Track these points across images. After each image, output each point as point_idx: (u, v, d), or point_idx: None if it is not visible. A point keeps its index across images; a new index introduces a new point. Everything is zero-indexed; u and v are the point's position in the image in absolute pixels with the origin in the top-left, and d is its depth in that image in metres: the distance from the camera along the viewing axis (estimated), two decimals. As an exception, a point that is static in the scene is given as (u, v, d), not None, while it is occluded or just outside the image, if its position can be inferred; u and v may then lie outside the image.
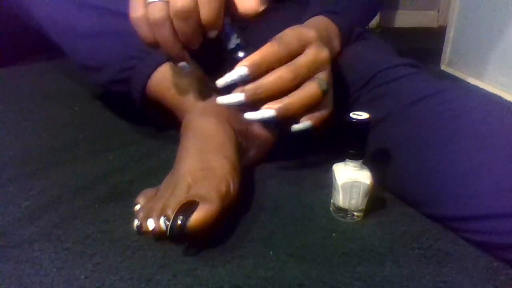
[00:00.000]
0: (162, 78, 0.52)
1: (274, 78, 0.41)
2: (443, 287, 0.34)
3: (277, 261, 0.37)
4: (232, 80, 0.40)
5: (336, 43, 0.51)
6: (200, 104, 0.49)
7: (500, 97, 0.46)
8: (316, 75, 0.43)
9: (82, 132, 0.64)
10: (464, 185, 0.38)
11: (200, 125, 0.47)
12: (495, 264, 0.36)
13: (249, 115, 0.42)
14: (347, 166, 0.41)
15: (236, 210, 0.43)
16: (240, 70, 0.40)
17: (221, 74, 0.41)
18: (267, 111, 0.41)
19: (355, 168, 0.41)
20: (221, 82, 0.41)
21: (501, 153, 0.37)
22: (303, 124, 0.43)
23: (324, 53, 0.43)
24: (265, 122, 0.46)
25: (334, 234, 0.40)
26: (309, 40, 0.43)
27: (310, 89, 0.42)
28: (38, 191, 0.47)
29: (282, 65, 0.41)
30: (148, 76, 0.52)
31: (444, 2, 1.82)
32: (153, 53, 0.52)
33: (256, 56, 0.40)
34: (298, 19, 0.62)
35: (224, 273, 0.35)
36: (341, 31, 0.52)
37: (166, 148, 0.57)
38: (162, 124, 0.63)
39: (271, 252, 0.38)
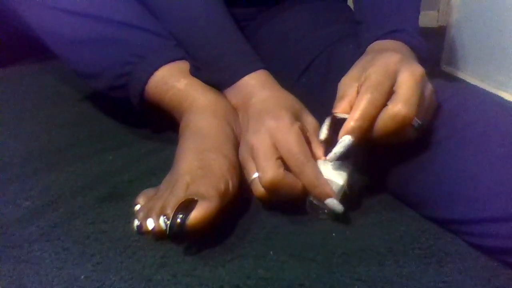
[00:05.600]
0: (160, 81, 0.52)
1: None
2: (443, 287, 0.34)
3: (277, 261, 0.37)
4: (341, 152, 0.38)
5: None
6: (198, 104, 0.50)
7: (496, 95, 0.45)
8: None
9: (82, 132, 0.64)
10: (461, 187, 0.38)
11: (198, 124, 0.47)
12: (495, 264, 0.36)
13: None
14: (326, 163, 0.40)
15: (236, 209, 0.43)
16: (346, 141, 0.37)
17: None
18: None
19: (334, 167, 0.40)
20: (331, 157, 0.38)
21: (499, 154, 0.37)
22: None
23: (418, 70, 0.38)
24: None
25: (334, 234, 0.40)
26: (395, 66, 0.38)
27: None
28: (38, 191, 0.47)
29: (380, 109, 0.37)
30: (146, 81, 0.52)
31: (444, 2, 1.82)
32: (149, 57, 0.52)
33: (356, 118, 0.36)
34: (300, 18, 0.63)
35: (224, 273, 0.35)
36: (418, 53, 0.47)
37: (165, 148, 0.57)
38: (161, 126, 0.63)
39: (271, 252, 0.38)
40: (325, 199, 0.39)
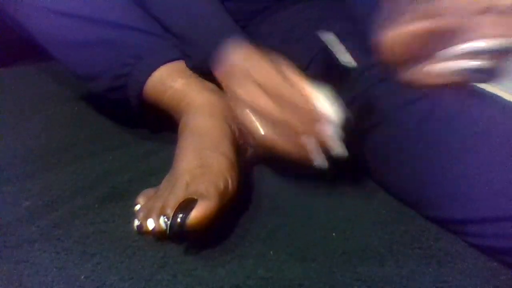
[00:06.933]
0: (157, 82, 0.52)
1: None
2: (443, 287, 0.34)
3: (277, 261, 0.37)
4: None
5: None
6: (196, 104, 0.50)
7: (496, 95, 0.45)
8: None
9: (82, 132, 0.63)
10: (460, 188, 0.38)
11: (196, 123, 0.47)
12: (495, 264, 0.36)
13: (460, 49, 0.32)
14: (322, 97, 0.39)
15: (236, 209, 0.43)
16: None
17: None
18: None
19: (329, 102, 0.39)
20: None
21: (499, 154, 0.37)
22: None
23: None
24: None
25: (334, 233, 0.40)
26: None
27: None
28: (38, 191, 0.47)
29: None
30: (144, 82, 0.52)
31: (444, 2, 1.82)
32: (146, 58, 0.52)
33: None
34: (302, 16, 0.63)
35: (224, 273, 0.35)
36: None
37: (165, 148, 0.57)
38: (160, 127, 0.63)
39: (271, 252, 0.38)
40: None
